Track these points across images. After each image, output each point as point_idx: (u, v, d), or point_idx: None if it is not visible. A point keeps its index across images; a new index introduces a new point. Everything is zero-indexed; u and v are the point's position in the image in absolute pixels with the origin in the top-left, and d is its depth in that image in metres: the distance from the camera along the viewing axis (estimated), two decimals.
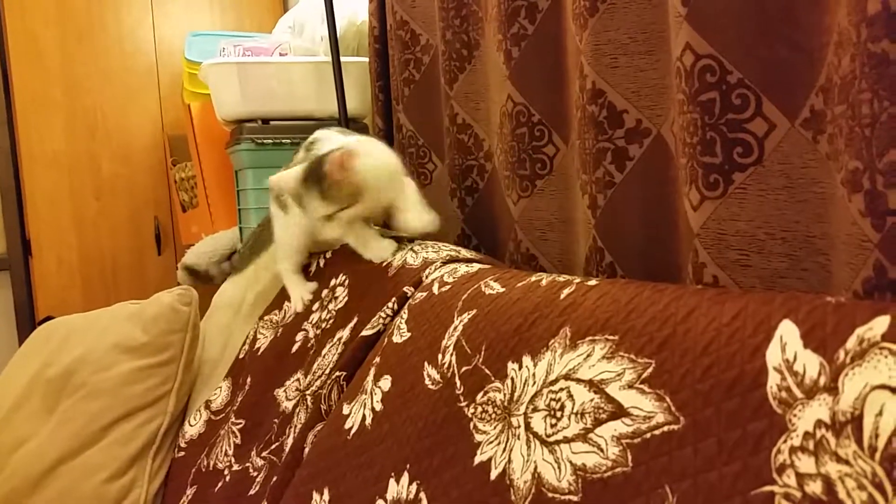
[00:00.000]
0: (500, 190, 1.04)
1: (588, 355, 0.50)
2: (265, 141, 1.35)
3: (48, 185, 1.83)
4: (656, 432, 0.42)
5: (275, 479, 0.76)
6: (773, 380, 0.40)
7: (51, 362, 1.10)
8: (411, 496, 0.58)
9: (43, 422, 1.06)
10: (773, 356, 0.41)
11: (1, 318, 1.87)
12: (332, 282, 0.95)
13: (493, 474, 0.55)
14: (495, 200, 1.07)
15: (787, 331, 0.41)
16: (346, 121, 1.39)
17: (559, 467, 0.48)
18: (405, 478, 0.60)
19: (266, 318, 1.03)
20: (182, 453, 0.96)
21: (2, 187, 1.82)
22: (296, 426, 0.80)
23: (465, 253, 0.89)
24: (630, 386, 0.46)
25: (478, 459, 0.58)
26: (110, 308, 1.12)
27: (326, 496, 0.67)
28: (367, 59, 1.37)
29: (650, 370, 0.45)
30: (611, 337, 0.50)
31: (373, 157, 0.94)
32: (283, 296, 1.03)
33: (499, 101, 1.02)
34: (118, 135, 1.92)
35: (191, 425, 0.98)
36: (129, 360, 1.01)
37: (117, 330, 1.05)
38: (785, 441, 0.37)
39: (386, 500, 0.61)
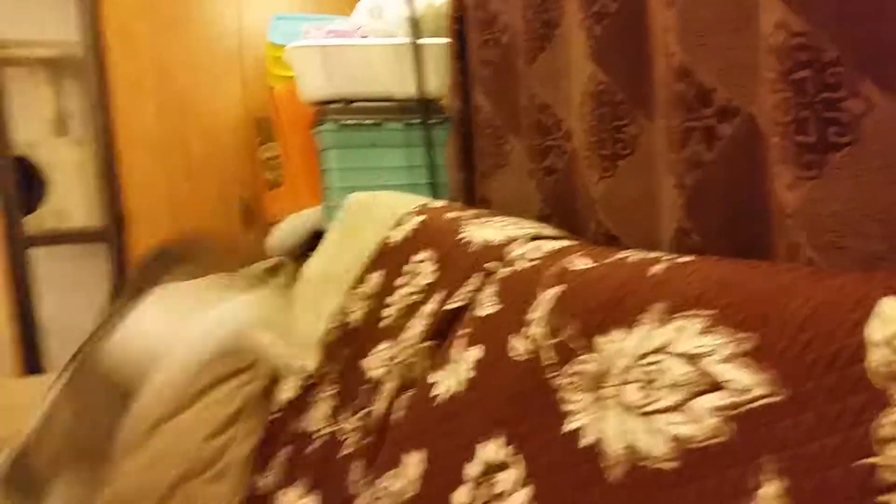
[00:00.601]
0: (580, 170, 1.05)
1: (683, 329, 0.52)
2: (349, 121, 1.40)
3: (142, 164, 1.95)
4: (755, 405, 0.44)
5: (367, 440, 0.80)
6: (873, 355, 0.41)
7: None
8: (506, 458, 0.61)
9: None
10: (873, 332, 0.42)
11: (99, 288, 2.01)
12: (417, 256, 0.98)
13: (583, 442, 0.58)
14: (576, 181, 1.08)
15: (890, 307, 0.42)
16: (424, 102, 1.42)
17: (654, 436, 0.49)
18: (498, 441, 0.63)
19: (355, 291, 1.07)
20: (276, 416, 1.03)
21: (100, 166, 1.95)
22: (385, 393, 0.84)
23: (548, 230, 0.91)
24: (728, 359, 0.47)
25: (566, 428, 0.60)
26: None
27: (419, 457, 0.71)
28: (445, 41, 1.39)
29: (749, 344, 0.46)
30: (706, 312, 0.51)
31: None
32: (371, 269, 1.07)
33: (580, 80, 1.02)
34: (206, 117, 2.02)
35: (284, 389, 1.04)
36: None
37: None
38: (888, 415, 0.38)
39: (479, 462, 0.64)
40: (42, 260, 2.00)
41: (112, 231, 1.96)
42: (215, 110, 2.04)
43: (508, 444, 0.61)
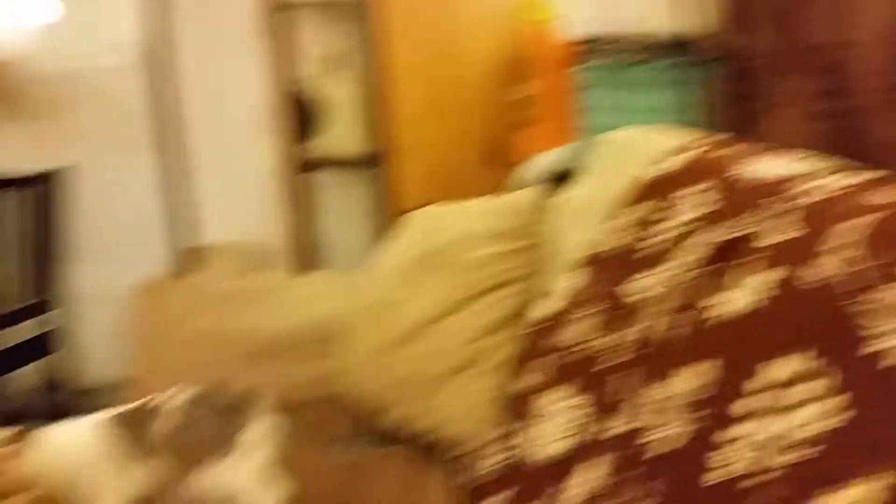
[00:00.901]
0: (870, 112, 0.99)
1: None
2: (613, 59, 1.42)
3: (406, 100, 2.14)
4: None
5: (636, 353, 0.86)
6: None
7: (423, 242, 1.33)
8: (814, 370, 0.63)
9: (417, 290, 1.29)
10: None
11: (365, 207, 2.29)
12: (690, 189, 1.00)
13: (882, 364, 0.59)
14: (863, 123, 1.02)
15: None
16: (690, 41, 1.40)
17: None
18: (804, 355, 0.65)
19: (615, 221, 1.11)
20: (537, 328, 1.12)
21: (371, 100, 2.19)
22: (656, 314, 0.89)
23: (845, 163, 0.88)
24: None
25: (864, 351, 0.61)
26: (476, 200, 1.31)
27: (708, 366, 0.75)
28: None
29: None
30: None
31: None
32: (633, 200, 1.10)
33: (876, 16, 0.96)
34: (464, 58, 2.15)
35: (546, 306, 1.13)
36: (492, 244, 1.20)
37: (483, 218, 1.24)
38: None
39: (765, 377, 0.67)
40: (318, 183, 2.31)
41: (379, 159, 2.20)
42: (472, 52, 2.17)
43: (819, 357, 0.63)
